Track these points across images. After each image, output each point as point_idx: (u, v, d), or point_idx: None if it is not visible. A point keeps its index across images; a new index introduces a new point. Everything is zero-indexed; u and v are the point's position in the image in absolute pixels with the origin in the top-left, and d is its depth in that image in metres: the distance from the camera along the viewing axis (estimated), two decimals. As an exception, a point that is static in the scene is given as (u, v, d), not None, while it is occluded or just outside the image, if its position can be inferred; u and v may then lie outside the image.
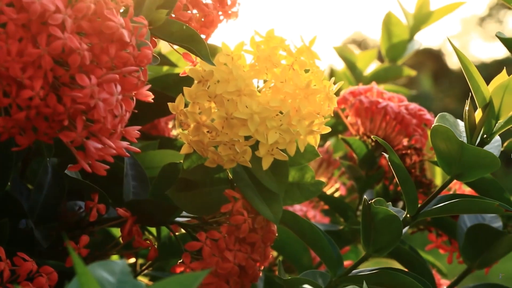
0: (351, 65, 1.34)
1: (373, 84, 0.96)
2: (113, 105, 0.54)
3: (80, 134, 0.54)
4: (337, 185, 1.12)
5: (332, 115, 0.72)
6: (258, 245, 0.69)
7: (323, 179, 1.08)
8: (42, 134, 0.55)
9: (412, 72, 1.30)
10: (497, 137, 0.68)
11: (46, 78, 0.52)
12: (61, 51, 0.52)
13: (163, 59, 0.91)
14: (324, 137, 1.23)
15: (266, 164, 0.65)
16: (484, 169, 0.65)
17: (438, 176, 1.02)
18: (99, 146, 0.54)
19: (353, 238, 0.92)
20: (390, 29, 1.29)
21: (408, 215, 0.69)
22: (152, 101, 0.62)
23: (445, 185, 0.67)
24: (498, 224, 0.83)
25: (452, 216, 0.92)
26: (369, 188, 0.93)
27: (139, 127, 0.59)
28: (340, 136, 0.95)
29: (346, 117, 0.95)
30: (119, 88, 0.54)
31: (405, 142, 0.94)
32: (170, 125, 0.94)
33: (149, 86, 0.59)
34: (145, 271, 0.99)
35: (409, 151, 0.91)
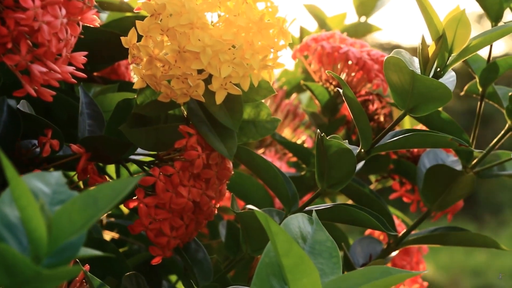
0: (322, 23, 1.34)
1: (336, 30, 0.95)
2: (57, 29, 0.53)
3: (24, 57, 0.53)
4: (303, 137, 1.12)
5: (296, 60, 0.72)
6: (213, 182, 0.69)
7: (289, 131, 1.08)
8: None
9: (379, 28, 1.30)
10: (451, 73, 0.68)
11: (-12, 1, 0.52)
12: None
13: (125, 6, 0.91)
14: (298, 91, 1.23)
15: (219, 99, 0.65)
16: (437, 102, 0.65)
17: (406, 125, 1.02)
18: (44, 70, 0.54)
19: (315, 184, 0.92)
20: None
21: (362, 150, 0.69)
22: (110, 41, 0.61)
23: (398, 119, 0.67)
24: (458, 168, 0.83)
25: (414, 162, 0.93)
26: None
27: (85, 53, 0.58)
28: (302, 82, 0.95)
29: (309, 64, 0.95)
30: (63, 11, 0.54)
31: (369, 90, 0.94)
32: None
33: (95, 10, 0.58)
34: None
35: (371, 97, 0.91)
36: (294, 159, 1.11)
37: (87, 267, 0.60)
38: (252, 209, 0.50)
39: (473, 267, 5.72)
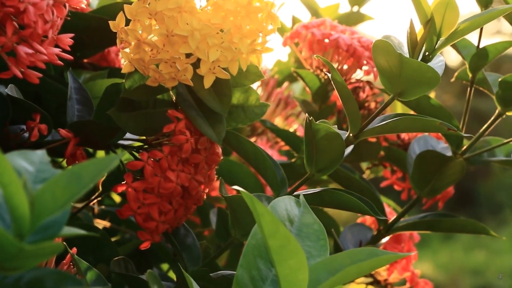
0: (314, 13, 1.34)
1: (326, 17, 0.95)
2: (43, 10, 0.53)
3: (10, 38, 0.53)
4: (295, 126, 1.12)
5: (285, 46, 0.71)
6: (202, 166, 0.69)
7: (281, 120, 1.08)
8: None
9: (371, 17, 1.30)
10: (440, 57, 0.68)
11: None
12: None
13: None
14: (290, 81, 1.23)
15: (207, 83, 0.65)
16: (425, 86, 0.65)
17: (398, 112, 1.02)
18: (30, 51, 0.54)
19: (306, 171, 0.92)
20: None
21: (350, 134, 0.69)
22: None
23: (386, 104, 0.67)
24: (449, 154, 0.83)
25: (405, 149, 0.93)
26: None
27: (71, 35, 0.58)
28: (292, 69, 0.95)
29: (300, 52, 0.95)
30: (49, -8, 0.54)
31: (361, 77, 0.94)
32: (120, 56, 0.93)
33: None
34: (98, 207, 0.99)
35: (361, 84, 0.91)
36: (286, 147, 1.11)
37: (74, 250, 0.59)
38: (238, 190, 0.50)
39: (472, 266, 5.73)
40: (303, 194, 0.65)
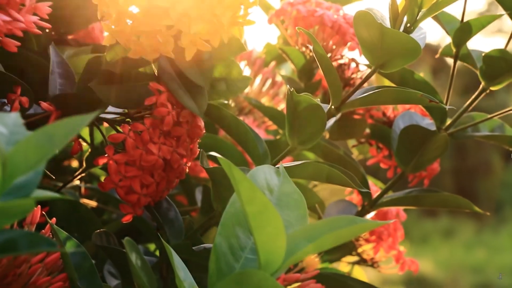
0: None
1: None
2: (20, -22, 0.53)
3: (-13, 6, 0.53)
4: (282, 105, 1.11)
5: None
6: (184, 140, 0.69)
7: (267, 99, 1.08)
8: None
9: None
10: (422, 30, 0.68)
11: None
12: None
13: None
14: (278, 62, 1.23)
15: (189, 55, 0.64)
16: (407, 57, 0.65)
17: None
18: (8, 19, 0.53)
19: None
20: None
21: (332, 107, 0.69)
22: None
23: (368, 76, 0.67)
24: (433, 129, 0.83)
25: (391, 126, 0.92)
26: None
27: (50, 3, 0.58)
28: (278, 46, 0.94)
29: (286, 29, 0.94)
30: (26, -40, 0.53)
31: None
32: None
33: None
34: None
35: (347, 61, 0.91)
36: (273, 127, 1.11)
37: (53, 220, 0.59)
38: (217, 157, 0.50)
39: (472, 264, 5.75)
40: (285, 166, 0.64)
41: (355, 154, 1.15)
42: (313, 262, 0.71)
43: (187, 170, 0.71)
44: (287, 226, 0.57)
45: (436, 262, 5.70)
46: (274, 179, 0.58)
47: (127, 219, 0.68)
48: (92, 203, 1.05)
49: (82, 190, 1.07)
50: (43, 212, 0.60)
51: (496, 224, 6.95)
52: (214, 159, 0.82)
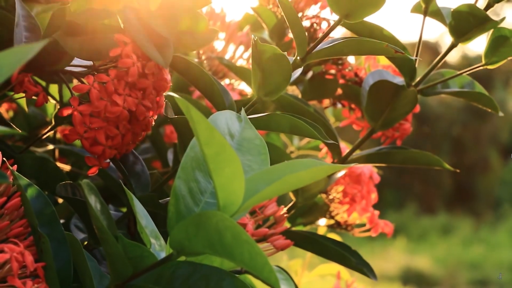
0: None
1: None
2: None
3: None
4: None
5: None
6: (149, 92, 0.68)
7: (244, 62, 1.07)
8: None
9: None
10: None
11: None
12: None
13: None
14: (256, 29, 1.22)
15: (153, 4, 0.64)
16: (371, 7, 0.64)
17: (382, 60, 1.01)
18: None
19: (262, 108, 0.92)
20: None
21: (298, 58, 0.68)
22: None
23: (333, 26, 0.67)
24: (402, 84, 0.83)
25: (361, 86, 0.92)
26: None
27: None
28: (251, 7, 0.94)
29: (258, -11, 0.94)
30: None
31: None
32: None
33: None
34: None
35: (318, 20, 0.91)
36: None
37: (15, 167, 0.59)
38: (174, 96, 0.50)
39: (470, 260, 5.79)
40: (250, 118, 0.64)
41: (332, 121, 1.15)
42: (282, 218, 0.71)
43: (153, 123, 0.70)
44: (248, 171, 0.57)
45: (434, 258, 5.75)
46: (235, 125, 0.58)
47: (92, 171, 0.68)
48: (66, 167, 1.05)
49: (56, 154, 1.06)
50: (7, 162, 0.59)
51: (494, 221, 7.00)
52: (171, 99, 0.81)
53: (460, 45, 0.81)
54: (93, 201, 0.52)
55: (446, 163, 0.87)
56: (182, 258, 0.55)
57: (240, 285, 0.54)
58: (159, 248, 0.57)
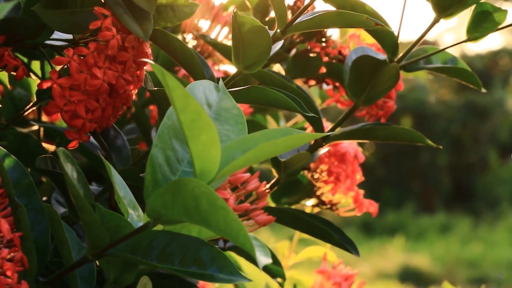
0: None
1: None
2: None
3: None
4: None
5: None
6: (129, 65, 0.68)
7: (227, 40, 1.07)
8: None
9: None
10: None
11: None
12: None
13: None
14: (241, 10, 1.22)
15: (133, -24, 0.64)
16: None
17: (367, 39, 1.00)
18: None
19: (245, 84, 0.92)
20: None
21: (278, 30, 0.68)
22: None
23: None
24: (384, 59, 0.83)
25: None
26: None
27: None
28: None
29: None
30: None
31: None
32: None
33: None
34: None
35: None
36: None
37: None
38: (150, 63, 0.49)
39: (468, 258, 5.81)
40: (229, 91, 0.64)
41: (318, 103, 1.15)
42: (265, 193, 0.70)
43: (133, 97, 0.70)
44: (226, 140, 0.57)
45: (432, 257, 5.76)
46: (213, 94, 0.58)
47: (72, 145, 0.68)
48: (51, 147, 1.04)
49: (41, 133, 1.06)
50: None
51: (492, 219, 7.03)
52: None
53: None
54: (69, 169, 0.52)
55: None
56: (160, 228, 0.55)
57: (218, 254, 0.54)
58: (137, 218, 0.57)
